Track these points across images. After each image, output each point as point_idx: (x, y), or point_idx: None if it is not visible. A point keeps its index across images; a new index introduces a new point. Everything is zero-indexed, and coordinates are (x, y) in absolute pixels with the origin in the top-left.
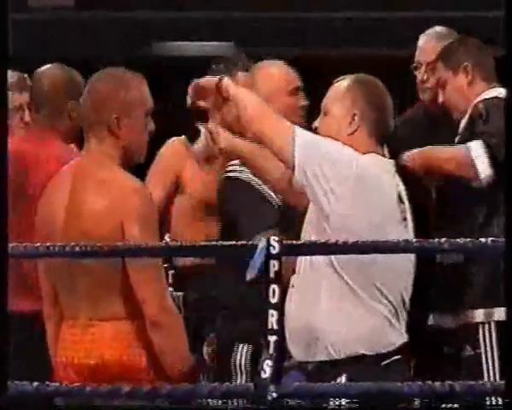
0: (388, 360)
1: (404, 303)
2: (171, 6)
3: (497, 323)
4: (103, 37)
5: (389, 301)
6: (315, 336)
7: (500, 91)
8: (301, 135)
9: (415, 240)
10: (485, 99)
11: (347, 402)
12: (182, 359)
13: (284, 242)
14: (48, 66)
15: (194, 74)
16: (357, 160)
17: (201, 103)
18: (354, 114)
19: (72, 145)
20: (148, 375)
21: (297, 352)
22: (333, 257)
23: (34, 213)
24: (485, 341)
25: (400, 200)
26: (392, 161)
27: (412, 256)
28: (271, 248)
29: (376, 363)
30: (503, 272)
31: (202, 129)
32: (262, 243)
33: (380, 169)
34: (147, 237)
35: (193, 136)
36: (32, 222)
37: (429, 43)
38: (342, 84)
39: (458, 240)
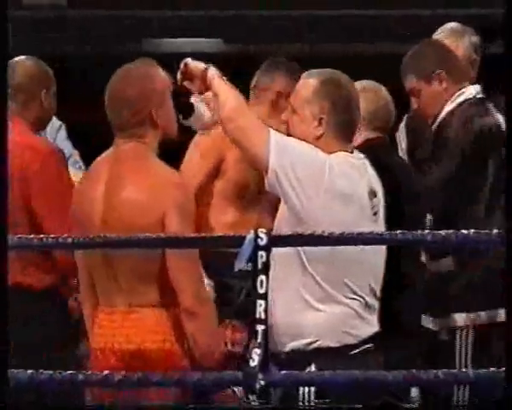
0: (356, 350)
1: (375, 295)
2: (161, 4)
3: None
4: (95, 34)
5: (359, 295)
6: (284, 328)
7: (470, 92)
8: (276, 138)
9: (413, 232)
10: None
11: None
12: (214, 348)
13: (272, 233)
14: (20, 57)
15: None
16: (329, 161)
17: (187, 84)
18: (321, 119)
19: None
20: (183, 362)
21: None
22: (302, 255)
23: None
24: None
25: (373, 194)
26: (361, 155)
27: (383, 249)
28: (259, 239)
29: (344, 353)
30: (503, 271)
31: (196, 103)
32: (250, 235)
33: (349, 167)
34: (185, 229)
35: (185, 112)
36: None
37: (445, 40)
38: (310, 83)
39: (463, 231)
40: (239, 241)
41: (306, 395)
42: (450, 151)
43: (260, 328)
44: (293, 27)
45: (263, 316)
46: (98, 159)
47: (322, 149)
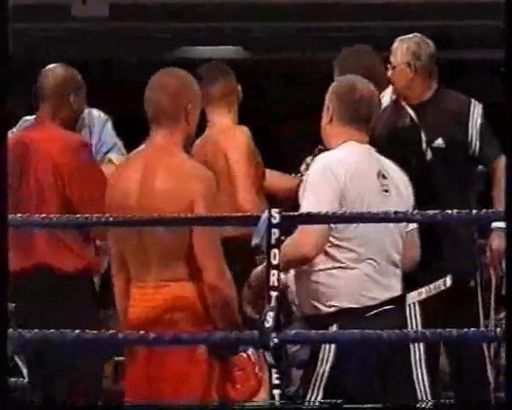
0: (373, 312)
1: (393, 262)
2: (187, 17)
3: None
4: (132, 43)
5: (374, 261)
6: (310, 295)
7: (386, 98)
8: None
9: (404, 211)
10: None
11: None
12: (233, 317)
13: (283, 213)
14: (53, 65)
15: None
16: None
17: None
18: (328, 107)
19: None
20: (206, 329)
21: (300, 307)
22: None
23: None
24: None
25: (382, 175)
26: (367, 145)
27: (403, 224)
28: (273, 218)
29: (360, 314)
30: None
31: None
32: (265, 214)
33: (357, 153)
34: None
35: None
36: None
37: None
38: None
39: (448, 211)
40: (255, 220)
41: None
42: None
43: (274, 294)
44: (307, 37)
45: (276, 284)
46: (134, 152)
47: (332, 135)
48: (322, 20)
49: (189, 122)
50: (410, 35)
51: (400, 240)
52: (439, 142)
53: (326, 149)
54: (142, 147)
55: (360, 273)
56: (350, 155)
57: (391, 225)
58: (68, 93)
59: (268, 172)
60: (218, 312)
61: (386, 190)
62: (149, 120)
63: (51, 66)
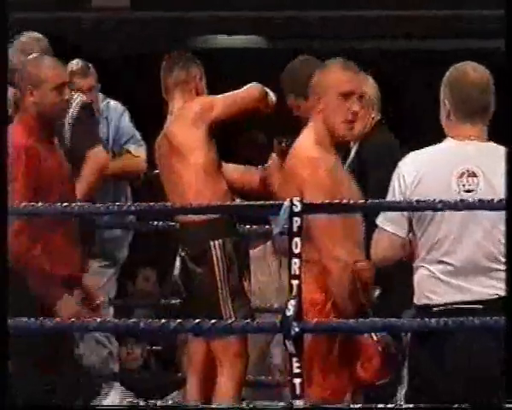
0: (436, 309)
1: (475, 264)
2: (211, 5)
3: None
4: (154, 33)
5: (445, 262)
6: None
7: None
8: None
9: (408, 200)
10: None
11: None
12: None
13: (304, 201)
14: None
15: (229, 63)
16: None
17: None
18: (443, 101)
19: None
20: None
21: None
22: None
23: None
24: None
25: (469, 174)
26: (465, 142)
27: (489, 222)
28: (294, 207)
29: (422, 314)
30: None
31: None
32: (286, 203)
33: (435, 155)
34: None
35: None
36: None
37: None
38: None
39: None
40: (276, 208)
41: None
42: None
43: (295, 282)
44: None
45: (297, 272)
46: None
47: (447, 132)
48: (345, 9)
49: None
50: None
51: (488, 242)
52: None
53: (287, 142)
54: None
55: (427, 273)
56: (428, 154)
57: (479, 225)
58: None
59: (230, 166)
60: None
61: (470, 191)
62: None
63: None
